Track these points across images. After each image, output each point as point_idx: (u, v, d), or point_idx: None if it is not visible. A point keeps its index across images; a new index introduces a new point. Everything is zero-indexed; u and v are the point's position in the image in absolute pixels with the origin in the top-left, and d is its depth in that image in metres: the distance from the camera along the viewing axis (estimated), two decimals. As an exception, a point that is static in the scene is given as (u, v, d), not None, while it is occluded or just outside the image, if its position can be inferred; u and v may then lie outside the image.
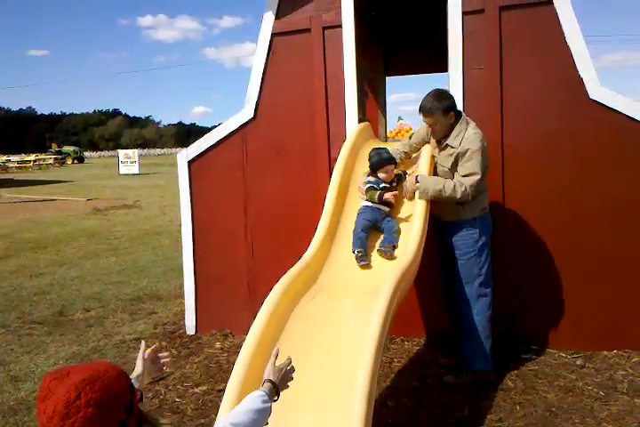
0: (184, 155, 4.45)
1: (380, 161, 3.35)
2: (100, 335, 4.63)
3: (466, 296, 3.32)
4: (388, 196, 3.28)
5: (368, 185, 3.35)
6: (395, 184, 3.44)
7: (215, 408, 3.11)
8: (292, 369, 1.77)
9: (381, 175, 3.35)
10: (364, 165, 3.82)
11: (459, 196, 3.16)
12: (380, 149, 3.44)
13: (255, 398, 1.62)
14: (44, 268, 7.26)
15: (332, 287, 3.00)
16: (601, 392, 3.17)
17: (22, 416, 3.28)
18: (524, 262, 3.81)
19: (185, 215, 4.47)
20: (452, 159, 3.24)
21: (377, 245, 3.23)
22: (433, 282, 3.67)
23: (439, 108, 3.21)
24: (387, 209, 3.33)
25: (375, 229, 3.29)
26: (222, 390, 3.35)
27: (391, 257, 3.10)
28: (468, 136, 3.20)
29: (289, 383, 1.78)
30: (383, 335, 2.48)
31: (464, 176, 3.18)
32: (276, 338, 2.68)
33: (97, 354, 4.20)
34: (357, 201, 3.52)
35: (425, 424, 2.91)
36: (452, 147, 3.24)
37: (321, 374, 2.50)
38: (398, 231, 3.24)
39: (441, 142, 3.34)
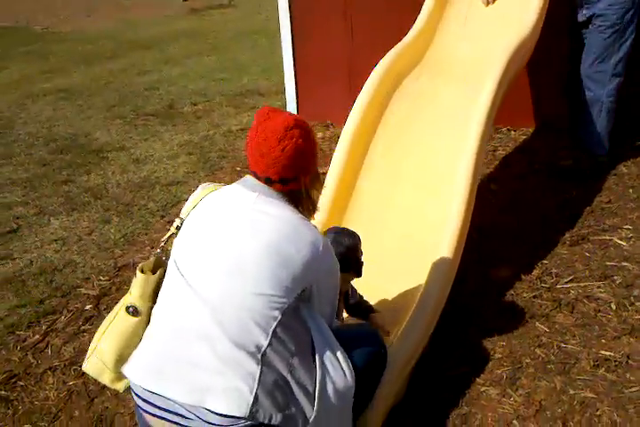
0: None
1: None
2: (209, 126, 4.82)
3: (598, 75, 3.01)
4: None
5: None
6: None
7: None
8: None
9: None
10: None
11: None
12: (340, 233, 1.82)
13: None
14: (150, 66, 7.39)
15: (439, 66, 2.82)
16: None
17: (147, 191, 3.62)
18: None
19: (282, 2, 4.21)
20: None
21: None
22: (547, 63, 3.35)
23: None
24: None
25: None
26: (325, 173, 3.50)
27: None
28: None
29: None
30: (491, 116, 2.36)
31: None
32: (377, 121, 2.63)
33: (207, 142, 4.43)
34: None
35: (529, 206, 2.92)
36: None
37: (422, 155, 2.48)
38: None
39: None
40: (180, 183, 3.71)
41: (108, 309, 2.41)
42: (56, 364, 2.19)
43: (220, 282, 1.34)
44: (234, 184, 1.46)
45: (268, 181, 1.39)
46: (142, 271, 1.47)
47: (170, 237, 1.45)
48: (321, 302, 1.39)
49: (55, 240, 3.11)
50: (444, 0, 3.09)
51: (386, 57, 2.75)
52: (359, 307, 1.94)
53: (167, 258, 1.47)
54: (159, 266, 1.48)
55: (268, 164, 1.36)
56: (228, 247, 1.34)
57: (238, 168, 3.84)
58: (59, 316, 2.49)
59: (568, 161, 3.23)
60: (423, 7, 3.03)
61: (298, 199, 1.44)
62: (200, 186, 1.52)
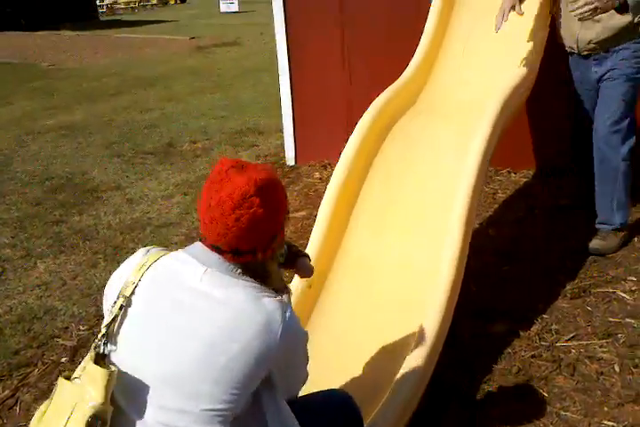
0: (276, -29, 4.06)
1: None
2: (206, 165, 4.77)
3: (613, 136, 2.66)
4: None
5: None
6: None
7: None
8: None
9: None
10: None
11: None
12: None
13: None
14: (152, 103, 7.43)
15: (433, 108, 2.76)
16: None
17: (138, 233, 3.53)
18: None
19: (280, 41, 4.22)
20: None
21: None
22: (547, 104, 3.29)
23: None
24: None
25: None
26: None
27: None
28: None
29: None
30: (486, 157, 2.27)
31: None
32: (369, 163, 2.57)
33: (204, 181, 4.28)
34: (465, 14, 3.08)
35: (528, 254, 2.81)
36: None
37: (414, 200, 2.40)
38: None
39: None
40: (172, 225, 3.62)
41: (84, 362, 2.29)
42: (23, 424, 2.06)
43: (149, 397, 1.13)
44: (180, 252, 1.23)
45: (217, 250, 1.18)
46: (103, 365, 1.14)
47: (114, 319, 1.18)
48: (283, 379, 1.21)
49: (39, 285, 3.01)
50: (440, 39, 3.05)
51: (378, 98, 2.70)
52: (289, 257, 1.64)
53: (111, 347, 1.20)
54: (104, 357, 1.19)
55: (219, 232, 1.14)
56: (163, 352, 1.14)
57: (232, 210, 3.76)
58: (32, 369, 2.37)
59: (595, 242, 2.78)
60: (420, 45, 2.99)
61: (255, 272, 1.21)
62: (140, 251, 1.28)
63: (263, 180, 1.15)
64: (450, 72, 2.97)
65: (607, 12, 2.40)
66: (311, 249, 2.25)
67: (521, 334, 2.22)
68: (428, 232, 2.27)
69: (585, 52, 2.68)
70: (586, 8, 2.35)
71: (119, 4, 34.70)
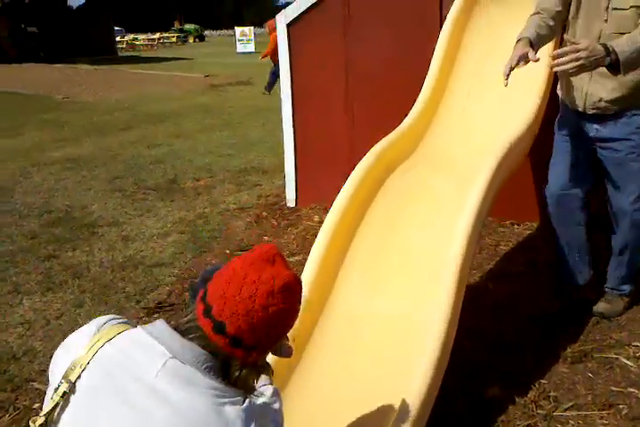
0: (282, 17, 4.10)
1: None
2: (207, 203, 4.73)
3: (636, 212, 2.44)
4: None
5: None
6: None
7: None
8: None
9: None
10: (477, 23, 3.27)
11: None
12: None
13: None
14: (161, 139, 7.48)
15: (432, 159, 2.71)
16: None
17: (129, 272, 3.46)
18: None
19: (284, 84, 4.24)
20: None
21: None
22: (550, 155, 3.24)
23: None
24: None
25: None
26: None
27: None
28: None
29: None
30: (482, 211, 2.20)
31: None
32: (362, 213, 2.49)
33: (202, 220, 4.32)
34: (471, 57, 3.06)
35: (528, 311, 2.69)
36: None
37: (406, 253, 2.32)
38: None
39: None
40: (164, 265, 3.54)
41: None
42: (-18, 477, 1.94)
43: None
44: (141, 332, 1.09)
45: (216, 327, 1.04)
46: None
47: (55, 407, 1.05)
48: None
49: (22, 323, 2.92)
50: (445, 83, 3.03)
51: (377, 145, 2.65)
52: None
53: None
54: None
55: (237, 312, 1.02)
56: None
57: (227, 251, 3.68)
58: (4, 414, 2.26)
59: (601, 305, 2.65)
60: (423, 90, 2.96)
61: (227, 371, 1.07)
62: (93, 324, 1.15)
63: (300, 281, 1.11)
64: (453, 118, 2.93)
65: (594, 69, 2.10)
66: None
67: (516, 399, 2.09)
68: (420, 286, 2.18)
69: (591, 111, 2.37)
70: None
71: (139, 40, 35.75)
